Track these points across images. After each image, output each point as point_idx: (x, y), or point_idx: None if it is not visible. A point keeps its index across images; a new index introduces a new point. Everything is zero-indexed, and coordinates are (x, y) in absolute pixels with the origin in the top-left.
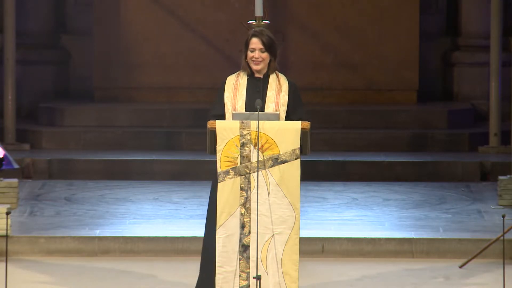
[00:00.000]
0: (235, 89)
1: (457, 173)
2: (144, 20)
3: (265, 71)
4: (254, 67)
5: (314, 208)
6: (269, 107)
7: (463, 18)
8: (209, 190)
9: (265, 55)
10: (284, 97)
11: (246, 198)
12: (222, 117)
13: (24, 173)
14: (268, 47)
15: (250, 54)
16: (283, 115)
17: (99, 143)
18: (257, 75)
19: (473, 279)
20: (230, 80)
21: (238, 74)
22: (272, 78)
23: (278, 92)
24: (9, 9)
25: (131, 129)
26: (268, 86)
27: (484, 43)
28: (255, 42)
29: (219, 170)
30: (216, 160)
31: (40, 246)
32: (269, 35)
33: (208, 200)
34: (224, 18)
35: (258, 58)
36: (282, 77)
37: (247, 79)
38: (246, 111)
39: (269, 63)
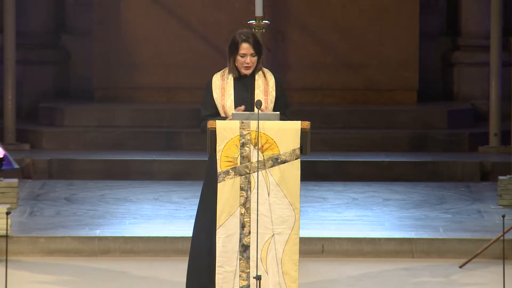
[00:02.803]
0: (222, 89)
1: (457, 173)
2: (144, 20)
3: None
4: (245, 71)
5: (314, 208)
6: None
7: (463, 18)
8: None
9: (255, 58)
10: (271, 93)
11: (246, 198)
12: (214, 116)
13: (24, 173)
14: (258, 50)
15: (240, 59)
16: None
17: (99, 143)
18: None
19: (473, 279)
20: (216, 80)
21: (223, 73)
22: (258, 75)
23: (265, 89)
24: (9, 9)
25: (131, 129)
26: (255, 83)
27: (484, 43)
28: (246, 48)
29: (219, 170)
30: (208, 159)
31: (40, 246)
32: (255, 37)
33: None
34: (224, 18)
35: (249, 63)
36: (268, 73)
37: (234, 78)
38: (234, 110)
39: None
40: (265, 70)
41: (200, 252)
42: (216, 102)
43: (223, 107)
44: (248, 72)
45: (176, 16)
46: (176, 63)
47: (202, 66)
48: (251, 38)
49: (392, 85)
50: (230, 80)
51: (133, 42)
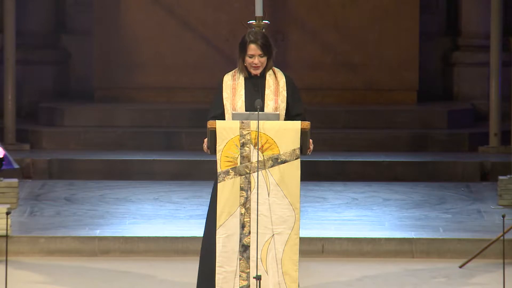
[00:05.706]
0: (233, 89)
1: (457, 173)
2: (144, 20)
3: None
4: (254, 72)
5: (314, 208)
6: (268, 105)
7: (463, 18)
8: (209, 190)
9: (264, 59)
10: (282, 93)
11: (246, 198)
12: (221, 117)
13: (24, 173)
14: (266, 50)
15: (249, 60)
16: (283, 112)
17: (99, 143)
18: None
19: (473, 279)
20: (227, 80)
21: (234, 73)
22: (269, 74)
23: (276, 89)
24: (9, 9)
25: (131, 129)
26: (266, 83)
27: (484, 43)
28: (254, 49)
29: (219, 170)
30: (216, 160)
31: (40, 246)
32: (264, 37)
33: (209, 199)
34: (224, 18)
35: (257, 63)
36: (279, 73)
37: (245, 78)
38: (246, 111)
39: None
40: (276, 69)
41: (211, 252)
42: (225, 102)
43: (234, 107)
44: (257, 72)
45: (176, 16)
46: (176, 63)
47: (202, 66)
48: (259, 40)
49: (392, 85)
50: (241, 80)
51: (133, 42)
